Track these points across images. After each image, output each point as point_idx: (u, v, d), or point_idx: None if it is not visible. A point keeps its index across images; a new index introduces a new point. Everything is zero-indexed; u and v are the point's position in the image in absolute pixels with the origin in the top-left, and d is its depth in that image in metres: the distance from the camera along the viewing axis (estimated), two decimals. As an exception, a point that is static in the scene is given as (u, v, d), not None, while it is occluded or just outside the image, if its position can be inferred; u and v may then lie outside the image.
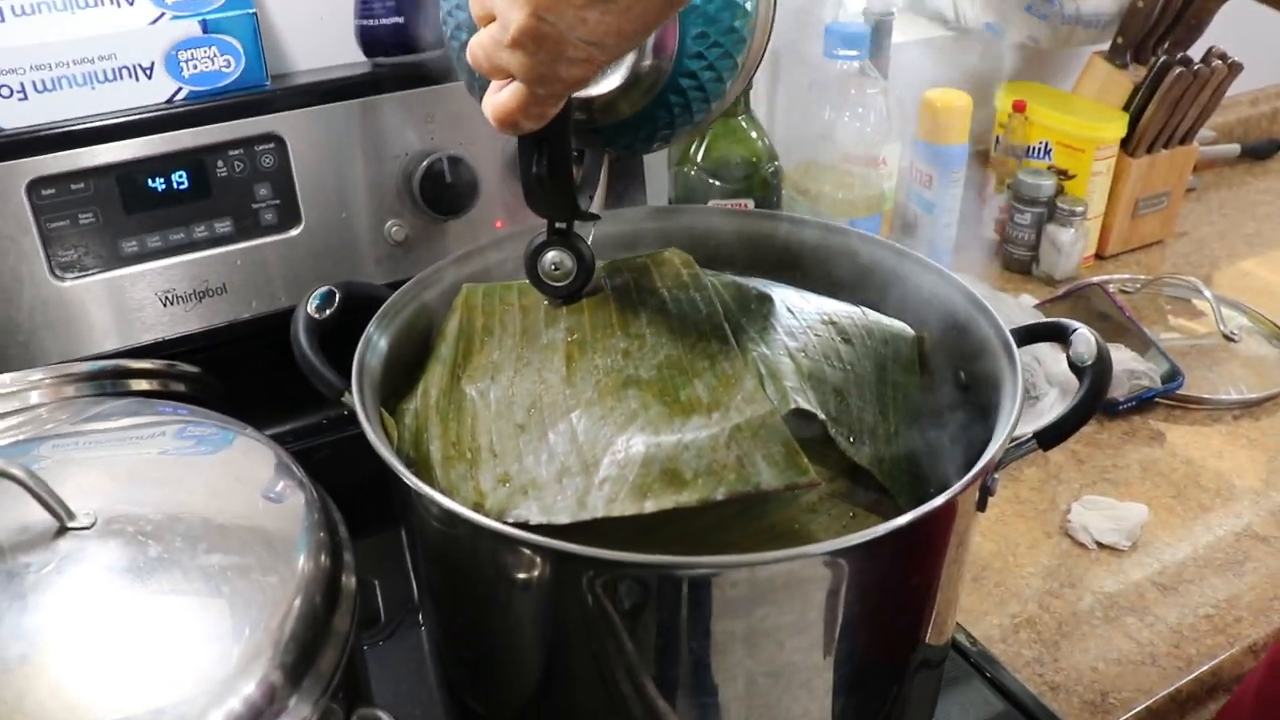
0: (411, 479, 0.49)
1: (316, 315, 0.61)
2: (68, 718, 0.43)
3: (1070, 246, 1.13)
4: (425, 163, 0.87)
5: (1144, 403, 0.96)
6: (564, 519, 0.50)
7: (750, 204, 0.94)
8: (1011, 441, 0.55)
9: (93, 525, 0.50)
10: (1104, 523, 0.82)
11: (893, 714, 0.59)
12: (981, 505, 0.56)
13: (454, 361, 0.60)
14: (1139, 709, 0.70)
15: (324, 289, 0.62)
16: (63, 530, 0.49)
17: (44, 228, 0.79)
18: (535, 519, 0.50)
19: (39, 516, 0.50)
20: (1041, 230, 1.15)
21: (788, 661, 0.50)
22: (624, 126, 0.55)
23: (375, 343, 0.60)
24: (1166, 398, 0.97)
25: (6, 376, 0.64)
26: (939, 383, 0.64)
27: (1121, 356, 0.94)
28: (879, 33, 1.03)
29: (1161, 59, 1.11)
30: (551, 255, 0.59)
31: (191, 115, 0.81)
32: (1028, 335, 0.61)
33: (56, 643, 0.45)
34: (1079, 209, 1.12)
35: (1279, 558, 0.81)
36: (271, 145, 0.84)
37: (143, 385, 0.70)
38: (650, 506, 0.49)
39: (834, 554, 0.47)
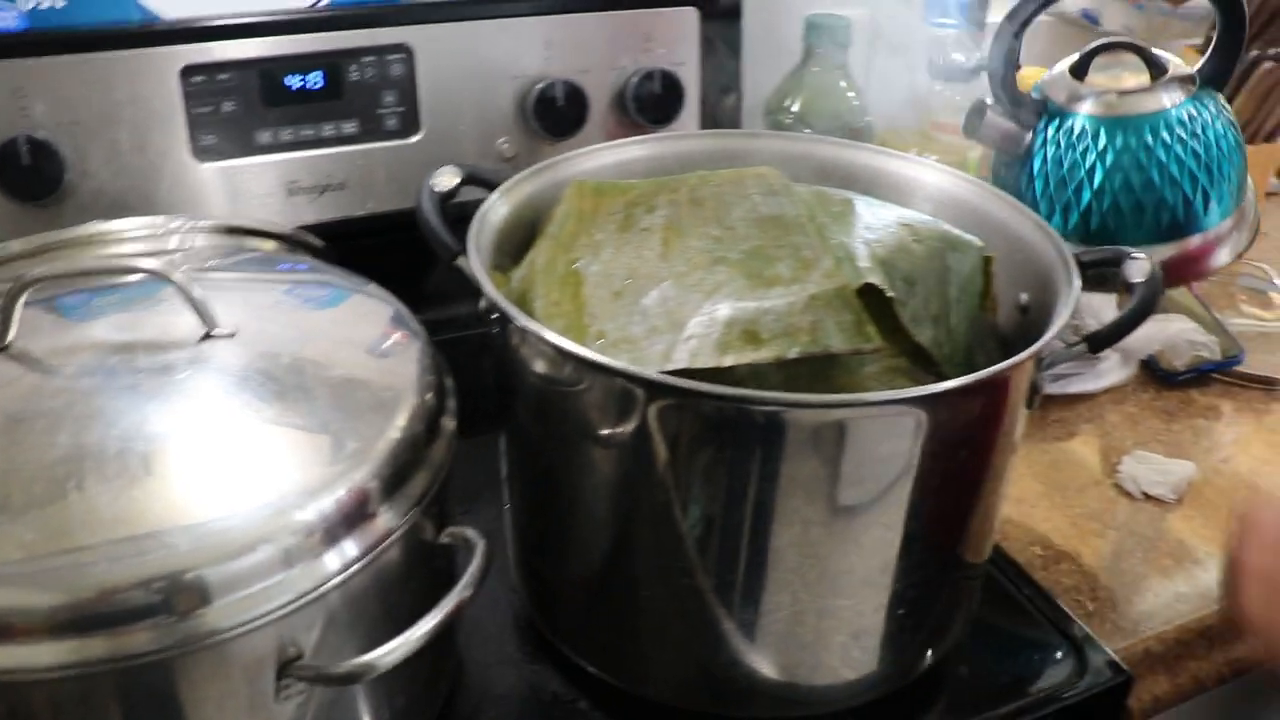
0: (517, 312, 0.55)
1: (438, 189, 0.67)
2: (181, 506, 0.48)
3: (1147, 231, 1.16)
4: (540, 85, 0.93)
5: (1203, 375, 0.99)
6: (651, 368, 0.55)
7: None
8: (1063, 344, 0.59)
9: (233, 335, 0.57)
10: (1152, 475, 0.86)
11: (932, 609, 0.64)
12: (1030, 402, 0.60)
13: (559, 238, 0.66)
14: (1167, 631, 0.73)
15: (449, 166, 0.68)
16: (207, 336, 0.56)
17: (191, 111, 0.86)
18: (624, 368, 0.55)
19: (186, 323, 0.56)
20: (1120, 214, 1.18)
21: (836, 514, 0.55)
22: None
23: (495, 207, 0.66)
24: (1226, 375, 0.99)
25: (150, 219, 0.70)
26: (1001, 303, 0.69)
27: (1183, 326, 0.97)
28: (976, 6, 1.07)
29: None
30: None
31: (332, 20, 0.89)
32: (1088, 263, 0.65)
33: (189, 434, 0.52)
34: (1159, 195, 1.15)
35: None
36: (401, 55, 0.91)
37: (269, 245, 0.77)
38: (729, 360, 0.54)
39: (880, 404, 0.52)
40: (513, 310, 0.56)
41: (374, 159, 0.92)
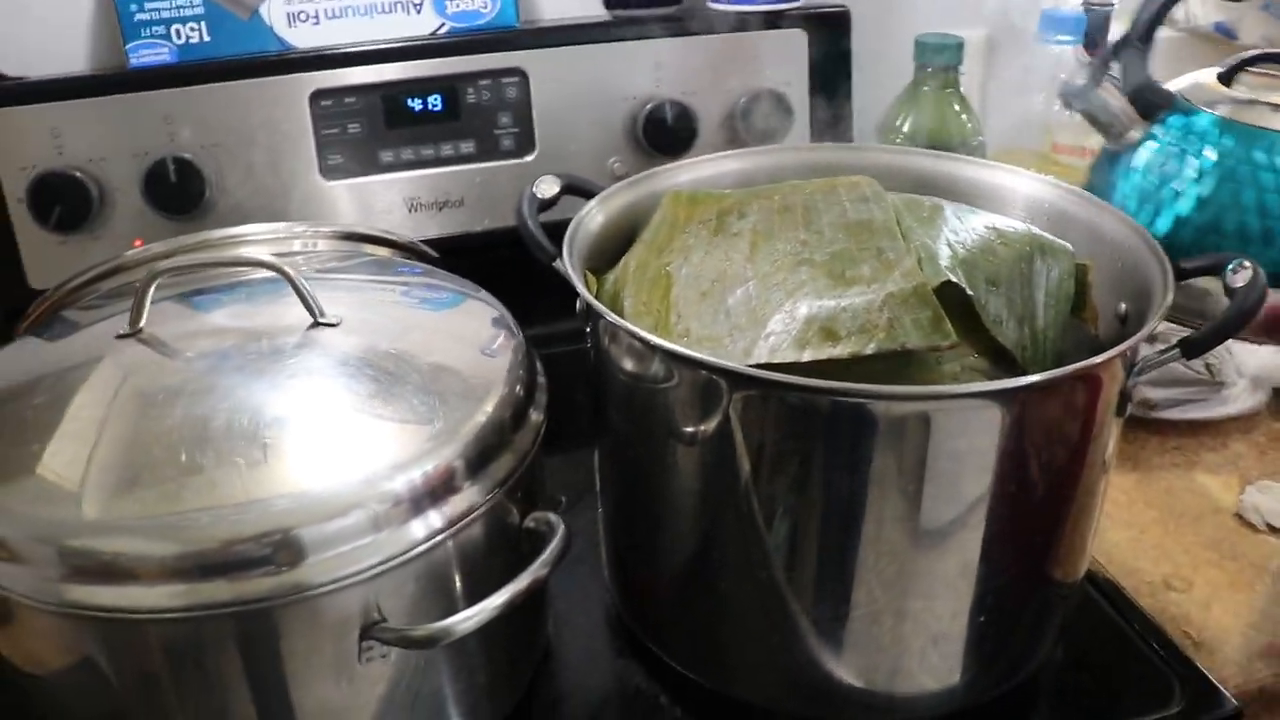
0: (606, 311, 0.57)
1: (539, 195, 0.70)
2: (282, 474, 0.52)
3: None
4: (650, 106, 0.96)
5: (1340, 406, 0.93)
6: (731, 363, 0.56)
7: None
8: (1157, 349, 0.58)
9: (339, 324, 0.60)
10: (1278, 506, 0.82)
11: (1017, 621, 0.62)
12: (1121, 409, 0.58)
13: (653, 243, 0.68)
14: (1286, 672, 0.70)
15: (550, 175, 0.71)
16: (315, 325, 0.60)
17: (319, 133, 0.92)
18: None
19: (297, 313, 0.60)
20: (1254, 240, 1.13)
21: (913, 511, 0.54)
22: None
23: (592, 214, 0.68)
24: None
25: (276, 224, 0.75)
26: (1102, 314, 0.68)
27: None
28: (1095, 24, 1.05)
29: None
30: None
31: (450, 47, 0.93)
32: (1188, 270, 0.63)
33: (292, 411, 0.55)
34: (1297, 220, 1.10)
35: None
36: (516, 79, 0.95)
37: (384, 252, 0.80)
38: (807, 356, 0.55)
39: (954, 397, 0.51)
40: (600, 306, 0.58)
41: (491, 178, 0.96)
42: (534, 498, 0.61)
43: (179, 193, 0.89)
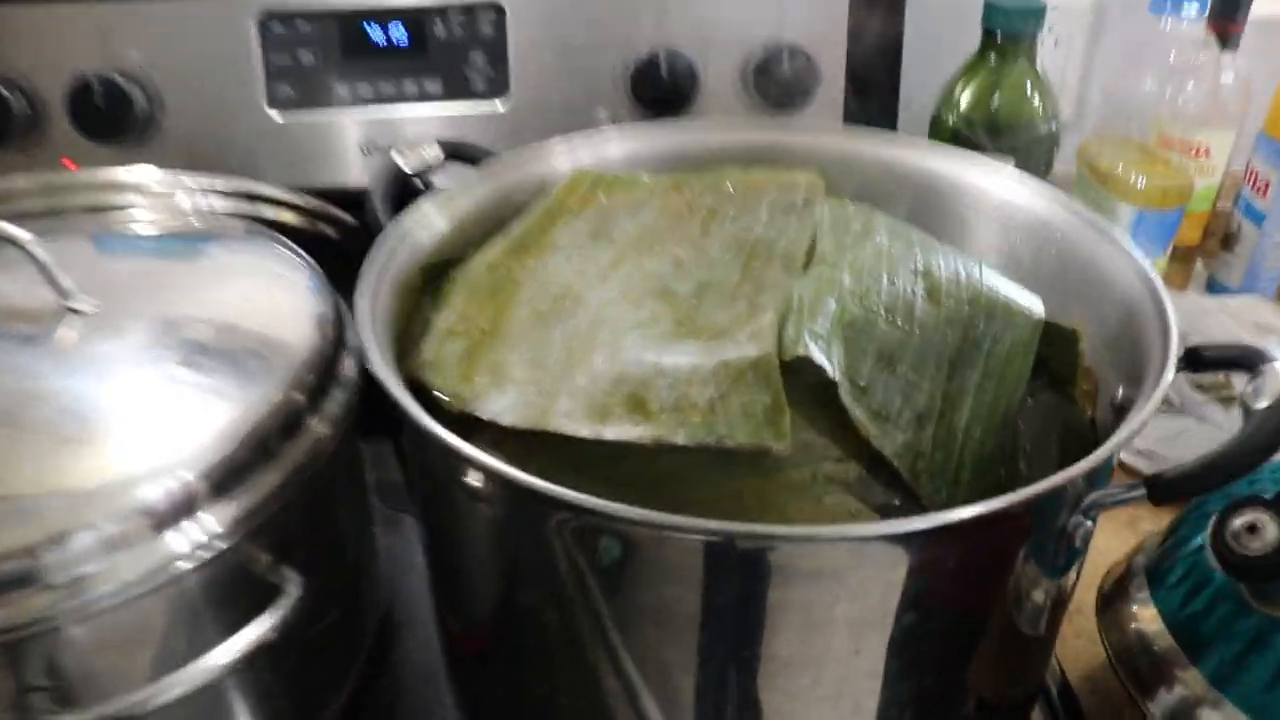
0: (372, 346, 0.44)
1: (404, 165, 0.57)
2: None
3: None
4: (645, 55, 0.81)
5: None
6: (511, 421, 0.43)
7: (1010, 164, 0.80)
8: (1121, 486, 0.41)
9: (93, 311, 0.50)
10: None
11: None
12: (1057, 552, 0.42)
13: (521, 238, 0.54)
14: None
15: (433, 140, 0.59)
16: (64, 309, 0.49)
17: (269, 59, 0.81)
18: (485, 414, 0.43)
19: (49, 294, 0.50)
20: None
21: (758, 670, 0.40)
22: None
23: (427, 217, 0.54)
24: None
25: (163, 173, 0.65)
26: (1102, 394, 0.51)
27: None
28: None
29: None
30: (1247, 516, 0.43)
31: (419, -29, 0.80)
32: (1211, 358, 0.45)
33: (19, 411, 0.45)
34: None
35: None
36: (492, 14, 0.81)
37: (289, 217, 0.69)
38: (601, 433, 0.41)
39: (737, 537, 0.36)
40: (370, 344, 0.44)
41: (457, 122, 0.84)
42: (304, 533, 0.49)
43: (105, 117, 0.80)
